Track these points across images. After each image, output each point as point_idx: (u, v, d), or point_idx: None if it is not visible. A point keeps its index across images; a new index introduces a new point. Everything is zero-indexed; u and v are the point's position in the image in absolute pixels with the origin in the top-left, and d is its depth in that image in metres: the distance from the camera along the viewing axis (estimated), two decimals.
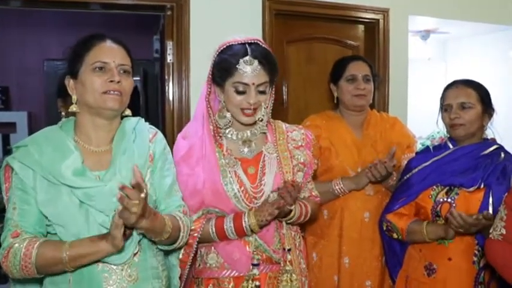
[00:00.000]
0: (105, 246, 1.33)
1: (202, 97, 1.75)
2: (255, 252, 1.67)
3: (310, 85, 3.17)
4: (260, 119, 1.70)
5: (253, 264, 1.66)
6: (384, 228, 2.08)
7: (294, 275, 1.69)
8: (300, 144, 1.82)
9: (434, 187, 1.93)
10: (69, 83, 1.50)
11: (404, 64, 3.55)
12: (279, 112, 2.99)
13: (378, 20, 3.39)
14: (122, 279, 1.42)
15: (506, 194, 1.62)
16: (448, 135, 2.03)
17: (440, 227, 1.86)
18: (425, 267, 1.95)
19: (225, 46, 1.68)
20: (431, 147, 2.06)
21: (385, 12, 3.39)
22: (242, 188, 1.68)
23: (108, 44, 1.49)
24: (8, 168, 1.45)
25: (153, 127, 1.62)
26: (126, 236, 1.35)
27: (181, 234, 1.53)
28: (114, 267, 1.41)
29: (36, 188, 1.40)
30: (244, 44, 1.66)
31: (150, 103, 4.94)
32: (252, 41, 1.67)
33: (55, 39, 6.13)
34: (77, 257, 1.35)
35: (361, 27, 3.46)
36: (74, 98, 1.49)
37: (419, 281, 1.96)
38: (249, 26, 2.95)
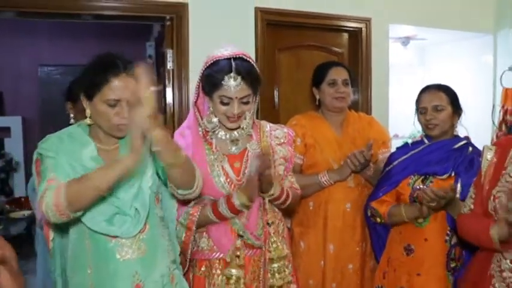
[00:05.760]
0: (126, 159, 1.44)
1: (192, 103, 1.97)
2: (238, 232, 1.85)
3: (299, 89, 3.33)
4: (243, 127, 1.89)
5: (239, 235, 1.84)
6: (369, 214, 2.29)
7: (279, 243, 1.87)
8: (282, 141, 2.02)
9: (412, 176, 2.15)
10: (84, 100, 1.61)
11: (385, 69, 3.72)
12: (271, 114, 3.17)
13: (361, 28, 3.56)
14: (133, 251, 1.60)
15: (475, 178, 1.83)
16: (424, 133, 2.25)
17: (416, 207, 2.06)
18: (404, 248, 2.15)
19: (212, 61, 1.82)
20: (409, 143, 2.28)
21: (367, 21, 3.57)
22: (228, 180, 1.89)
23: (123, 78, 1.56)
24: (38, 160, 1.61)
25: None
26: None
27: (196, 178, 1.66)
28: (125, 240, 1.58)
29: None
30: (229, 59, 1.79)
31: None
32: (237, 56, 1.81)
33: (49, 45, 6.23)
34: (104, 175, 1.44)
35: (345, 35, 3.62)
36: (88, 112, 1.61)
37: (399, 260, 2.17)
38: (243, 35, 3.11)
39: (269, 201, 1.92)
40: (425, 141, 2.24)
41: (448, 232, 2.08)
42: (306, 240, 2.44)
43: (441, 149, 2.16)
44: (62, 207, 1.44)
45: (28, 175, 5.91)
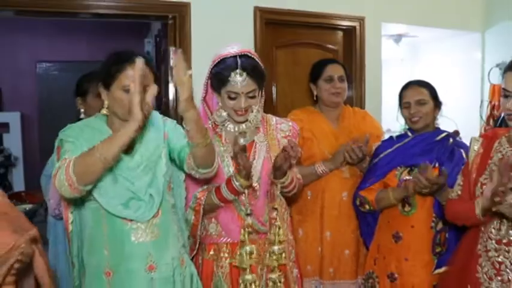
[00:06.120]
0: (127, 128, 1.52)
1: (201, 99, 2.09)
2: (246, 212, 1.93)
3: (296, 85, 3.40)
4: (250, 120, 2.00)
5: (247, 214, 1.92)
6: (358, 203, 2.39)
7: (281, 229, 1.95)
8: (287, 134, 2.13)
9: (398, 168, 2.28)
10: (102, 90, 1.72)
11: (378, 65, 3.83)
12: (269, 109, 3.11)
13: (355, 26, 3.66)
14: (146, 234, 1.71)
15: (457, 167, 1.97)
16: (407, 127, 2.38)
17: (402, 188, 2.18)
18: (393, 236, 2.27)
19: (219, 59, 1.95)
20: (394, 137, 2.40)
21: (361, 20, 3.67)
22: None
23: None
24: (59, 147, 1.70)
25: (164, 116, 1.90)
26: (144, 111, 1.50)
27: (215, 159, 1.78)
28: (140, 224, 1.69)
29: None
30: (235, 56, 1.92)
31: None
32: (242, 53, 1.93)
33: (47, 42, 6.29)
34: (108, 145, 1.51)
35: (340, 33, 3.72)
36: (106, 103, 1.72)
37: (388, 247, 2.29)
38: (242, 33, 3.21)
39: (280, 186, 2.00)
40: (409, 134, 2.37)
41: (434, 219, 2.21)
42: (304, 227, 2.55)
43: (424, 141, 2.28)
44: (72, 181, 1.52)
45: (27, 170, 6.03)
